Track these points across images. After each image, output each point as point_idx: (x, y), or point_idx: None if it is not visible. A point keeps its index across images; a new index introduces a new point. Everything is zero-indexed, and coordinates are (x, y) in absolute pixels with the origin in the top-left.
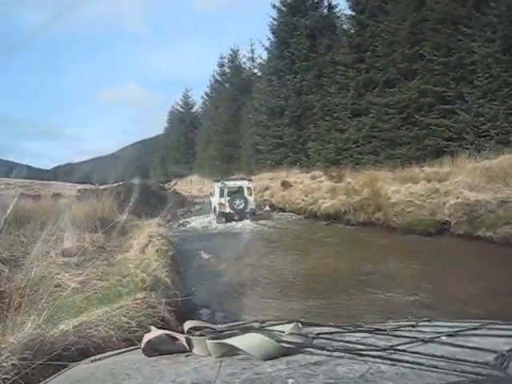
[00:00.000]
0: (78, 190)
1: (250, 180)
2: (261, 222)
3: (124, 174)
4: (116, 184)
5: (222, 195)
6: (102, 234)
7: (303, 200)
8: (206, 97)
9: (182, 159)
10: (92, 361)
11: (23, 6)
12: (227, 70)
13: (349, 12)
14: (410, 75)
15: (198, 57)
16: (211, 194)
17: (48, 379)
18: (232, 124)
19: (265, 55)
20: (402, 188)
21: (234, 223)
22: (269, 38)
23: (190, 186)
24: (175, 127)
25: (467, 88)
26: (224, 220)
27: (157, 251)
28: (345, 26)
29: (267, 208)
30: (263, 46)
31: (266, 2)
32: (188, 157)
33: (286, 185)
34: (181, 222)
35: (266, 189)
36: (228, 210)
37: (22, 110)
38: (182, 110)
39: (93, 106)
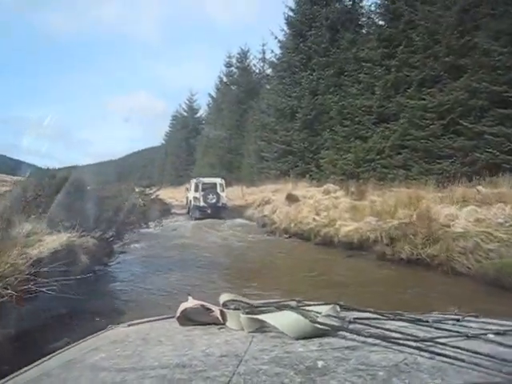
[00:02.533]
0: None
1: (223, 178)
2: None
3: (125, 179)
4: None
5: (197, 190)
6: None
7: (314, 219)
8: (209, 99)
9: (180, 166)
10: (129, 325)
11: (39, 11)
12: (235, 71)
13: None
14: (455, 72)
15: (211, 68)
16: (187, 190)
17: (86, 338)
18: (235, 129)
19: (277, 51)
20: (462, 212)
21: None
22: (283, 30)
23: (183, 193)
24: (177, 132)
25: None
26: (198, 213)
27: None
28: (373, 17)
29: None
30: (276, 38)
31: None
32: (188, 164)
33: (291, 199)
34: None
35: (267, 202)
36: (202, 203)
37: (33, 110)
38: (185, 114)
39: (103, 112)
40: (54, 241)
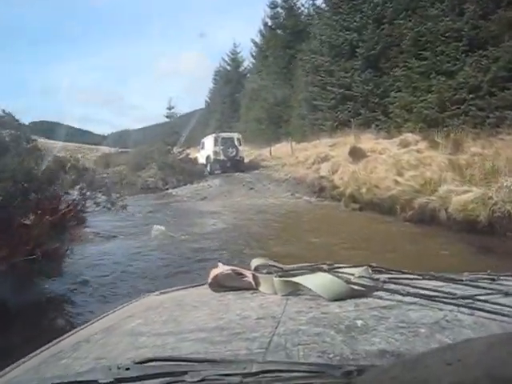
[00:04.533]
0: None
1: (239, 133)
2: None
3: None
4: None
5: (216, 144)
6: None
7: (396, 182)
8: (253, 46)
9: (225, 124)
10: (161, 293)
11: None
12: (280, 11)
13: None
14: None
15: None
16: (200, 150)
17: (120, 306)
18: (283, 77)
19: None
20: None
21: None
22: None
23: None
24: (220, 88)
25: None
26: (218, 167)
27: None
28: None
29: None
30: None
31: None
32: (233, 121)
33: (357, 154)
34: None
35: (324, 160)
36: (222, 157)
37: (86, 78)
38: (228, 68)
39: (153, 75)
40: None
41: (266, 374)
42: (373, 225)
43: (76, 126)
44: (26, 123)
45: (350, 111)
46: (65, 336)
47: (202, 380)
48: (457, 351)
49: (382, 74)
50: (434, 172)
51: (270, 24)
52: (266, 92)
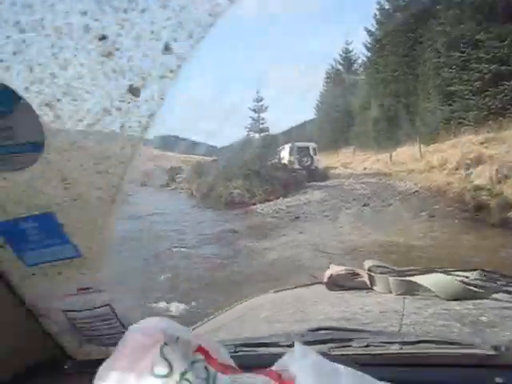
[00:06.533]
0: None
1: (314, 143)
2: None
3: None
4: None
5: (291, 154)
6: None
7: None
8: (367, 35)
9: (338, 129)
10: (275, 291)
11: None
12: None
13: None
14: None
15: None
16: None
17: (240, 301)
18: (404, 67)
19: None
20: None
21: None
22: None
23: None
24: (331, 91)
25: None
26: None
27: None
28: None
29: None
30: None
31: None
32: (348, 125)
33: None
34: None
35: (477, 162)
36: (297, 166)
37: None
38: (340, 68)
39: (264, 82)
40: None
41: (423, 345)
42: None
43: (191, 138)
44: None
45: (506, 95)
46: (204, 321)
47: (367, 346)
48: None
49: None
50: None
51: (387, 7)
52: (384, 87)
